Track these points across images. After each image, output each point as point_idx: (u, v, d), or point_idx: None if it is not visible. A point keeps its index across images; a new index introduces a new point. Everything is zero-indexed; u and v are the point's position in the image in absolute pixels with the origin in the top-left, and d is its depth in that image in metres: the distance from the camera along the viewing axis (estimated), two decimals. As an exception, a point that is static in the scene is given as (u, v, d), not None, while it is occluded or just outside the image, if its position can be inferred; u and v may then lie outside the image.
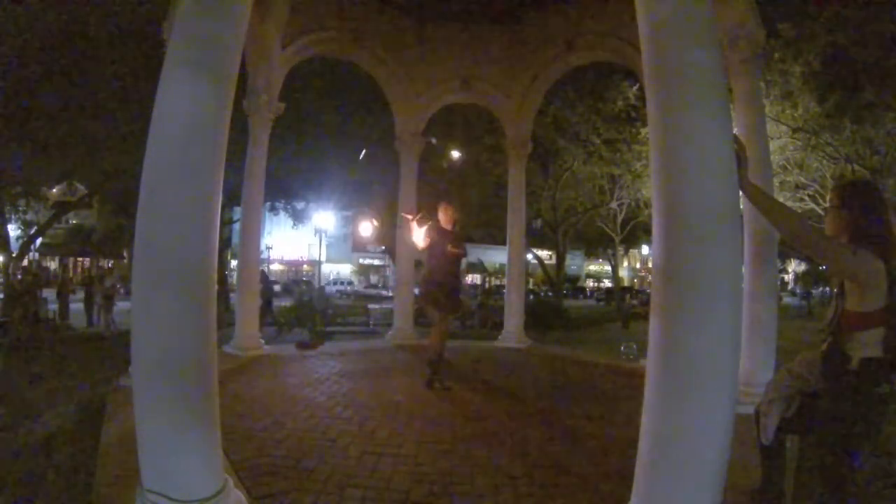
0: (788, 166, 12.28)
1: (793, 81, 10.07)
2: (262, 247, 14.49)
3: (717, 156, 1.86)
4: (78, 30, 9.29)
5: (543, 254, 27.85)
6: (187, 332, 2.02)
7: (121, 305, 12.46)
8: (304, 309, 12.34)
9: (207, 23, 2.11)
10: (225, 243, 19.73)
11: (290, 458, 3.08)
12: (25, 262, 17.85)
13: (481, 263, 32.78)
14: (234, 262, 21.34)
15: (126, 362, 3.62)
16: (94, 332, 11.43)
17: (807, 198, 13.26)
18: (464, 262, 5.37)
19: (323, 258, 29.72)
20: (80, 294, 13.97)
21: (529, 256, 21.84)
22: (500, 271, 32.44)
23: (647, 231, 21.50)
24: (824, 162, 11.98)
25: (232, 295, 13.35)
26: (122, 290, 12.65)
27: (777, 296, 4.68)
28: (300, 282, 33.04)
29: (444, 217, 5.19)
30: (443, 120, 11.99)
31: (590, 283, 47.73)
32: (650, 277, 4.89)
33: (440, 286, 4.96)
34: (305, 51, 6.90)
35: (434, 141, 7.12)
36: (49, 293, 14.68)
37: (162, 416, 1.99)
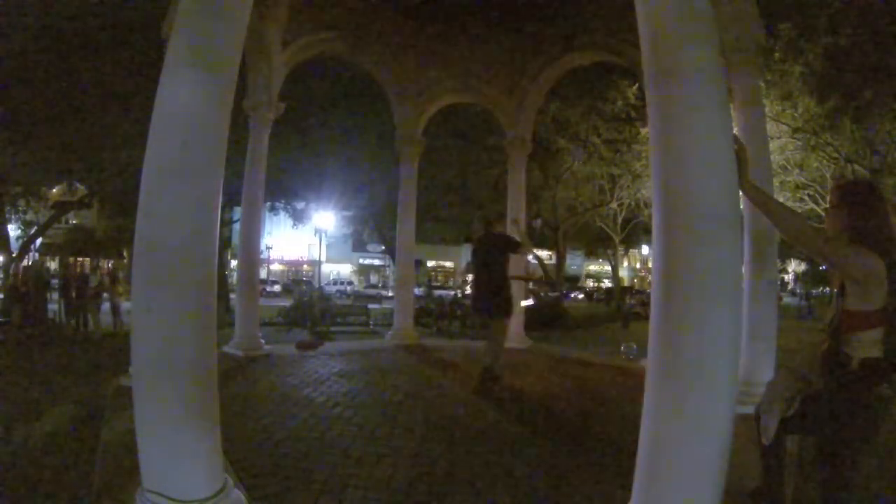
0: (788, 166, 12.27)
1: (793, 81, 10.06)
2: (262, 247, 14.51)
3: (717, 156, 1.86)
4: (78, 29, 9.29)
5: (543, 254, 27.83)
6: (187, 332, 2.02)
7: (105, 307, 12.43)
8: (303, 309, 12.38)
9: (207, 23, 2.10)
10: (225, 243, 19.72)
11: (290, 458, 3.08)
12: (28, 262, 17.83)
13: None
14: (234, 262, 21.35)
15: (126, 362, 3.62)
16: (86, 335, 11.42)
17: (807, 198, 13.25)
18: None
19: (323, 258, 29.72)
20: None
21: (529, 256, 21.81)
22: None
23: (647, 231, 21.52)
24: (824, 162, 11.97)
25: (232, 295, 13.35)
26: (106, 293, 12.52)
27: (777, 296, 4.67)
28: (300, 282, 33.08)
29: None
30: (443, 120, 12.00)
31: (590, 283, 47.71)
32: (650, 277, 4.89)
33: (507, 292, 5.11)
34: (306, 51, 6.90)
35: None
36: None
37: (162, 416, 1.99)
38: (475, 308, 5.30)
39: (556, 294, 19.13)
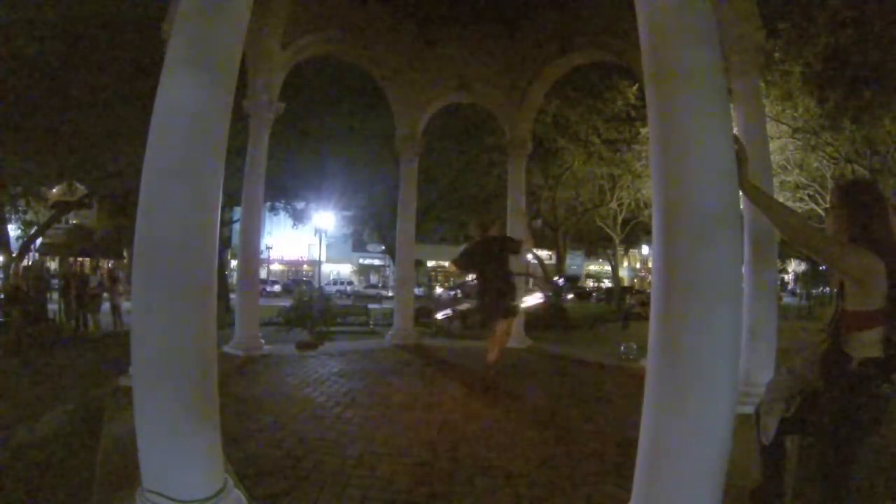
0: (788, 166, 12.26)
1: (793, 81, 10.04)
2: (262, 247, 14.51)
3: (717, 156, 1.86)
4: (78, 29, 9.29)
5: (543, 254, 27.85)
6: (187, 332, 2.02)
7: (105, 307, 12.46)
8: (303, 309, 12.38)
9: (207, 23, 2.10)
10: (225, 243, 19.71)
11: (290, 458, 3.08)
12: (28, 262, 17.82)
13: None
14: (234, 262, 21.35)
15: (126, 362, 3.62)
16: (86, 335, 11.43)
17: (807, 198, 13.25)
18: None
19: (323, 258, 29.71)
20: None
21: (529, 256, 21.84)
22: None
23: (647, 231, 21.53)
24: (824, 162, 11.97)
25: (232, 295, 13.35)
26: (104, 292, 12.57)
27: (777, 296, 4.67)
28: (300, 282, 33.09)
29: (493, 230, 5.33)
30: (443, 120, 12.00)
31: (590, 283, 47.63)
32: (650, 277, 4.90)
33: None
34: (305, 51, 6.90)
35: None
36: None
37: (162, 416, 1.98)
38: (487, 312, 5.18)
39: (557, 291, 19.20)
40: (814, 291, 26.53)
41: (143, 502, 1.97)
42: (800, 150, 11.65)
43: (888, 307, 1.81)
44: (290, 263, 41.73)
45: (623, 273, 40.99)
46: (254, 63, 6.29)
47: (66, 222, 24.65)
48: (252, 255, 6.70)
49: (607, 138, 14.96)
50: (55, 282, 15.56)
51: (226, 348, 6.16)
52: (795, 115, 10.75)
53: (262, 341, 6.57)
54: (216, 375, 2.14)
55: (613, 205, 18.65)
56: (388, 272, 40.62)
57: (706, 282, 1.81)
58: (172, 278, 1.99)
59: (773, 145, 9.92)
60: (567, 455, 3.26)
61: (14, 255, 15.46)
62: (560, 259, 21.26)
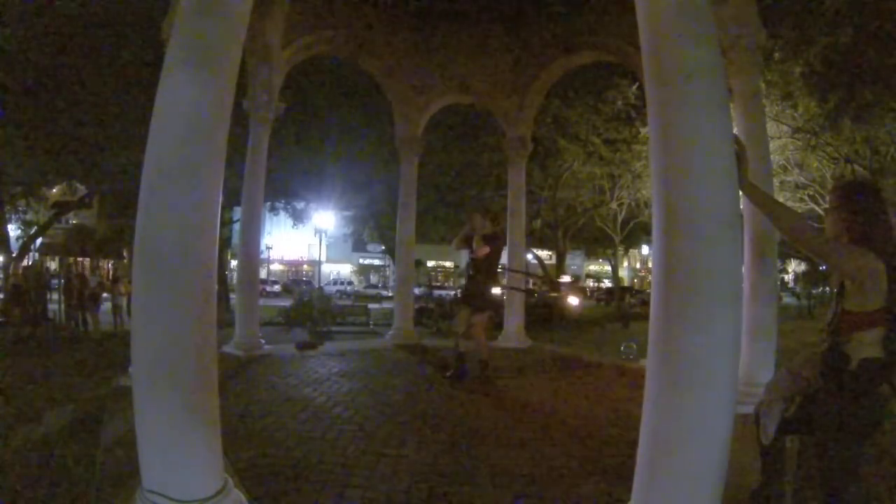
0: (788, 166, 12.26)
1: (793, 81, 10.05)
2: (262, 247, 14.51)
3: (717, 156, 1.86)
4: (78, 30, 9.30)
5: (543, 254, 27.83)
6: (187, 332, 2.02)
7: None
8: (303, 309, 12.38)
9: (207, 23, 2.10)
10: (225, 243, 19.73)
11: (290, 458, 3.08)
12: (28, 263, 17.84)
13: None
14: (234, 262, 21.35)
15: (126, 362, 3.62)
16: (87, 335, 11.44)
17: (807, 198, 13.24)
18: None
19: (323, 258, 29.73)
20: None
21: (529, 256, 21.82)
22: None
23: (647, 231, 21.50)
24: (824, 162, 11.97)
25: (232, 295, 13.36)
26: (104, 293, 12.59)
27: (777, 296, 4.67)
28: (300, 282, 33.13)
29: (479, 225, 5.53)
30: (443, 120, 12.01)
31: (590, 283, 47.61)
32: (650, 277, 4.91)
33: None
34: (306, 51, 6.90)
35: None
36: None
37: (162, 416, 1.98)
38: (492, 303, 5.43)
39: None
40: (814, 291, 26.46)
41: (143, 502, 1.97)
42: (800, 150, 11.65)
43: (888, 307, 1.81)
44: (290, 263, 41.77)
45: (623, 273, 40.98)
46: (254, 63, 6.29)
47: (66, 222, 24.67)
48: (252, 255, 6.70)
49: (607, 138, 14.97)
50: (55, 282, 15.56)
51: (226, 348, 6.16)
52: (795, 115, 10.75)
53: (262, 341, 6.57)
54: (216, 375, 2.14)
55: (613, 205, 18.63)
56: (388, 272, 40.64)
57: (706, 282, 1.81)
58: (172, 278, 1.99)
59: (773, 145, 9.91)
60: (567, 454, 3.26)
61: (14, 254, 15.47)
62: (560, 259, 21.25)
